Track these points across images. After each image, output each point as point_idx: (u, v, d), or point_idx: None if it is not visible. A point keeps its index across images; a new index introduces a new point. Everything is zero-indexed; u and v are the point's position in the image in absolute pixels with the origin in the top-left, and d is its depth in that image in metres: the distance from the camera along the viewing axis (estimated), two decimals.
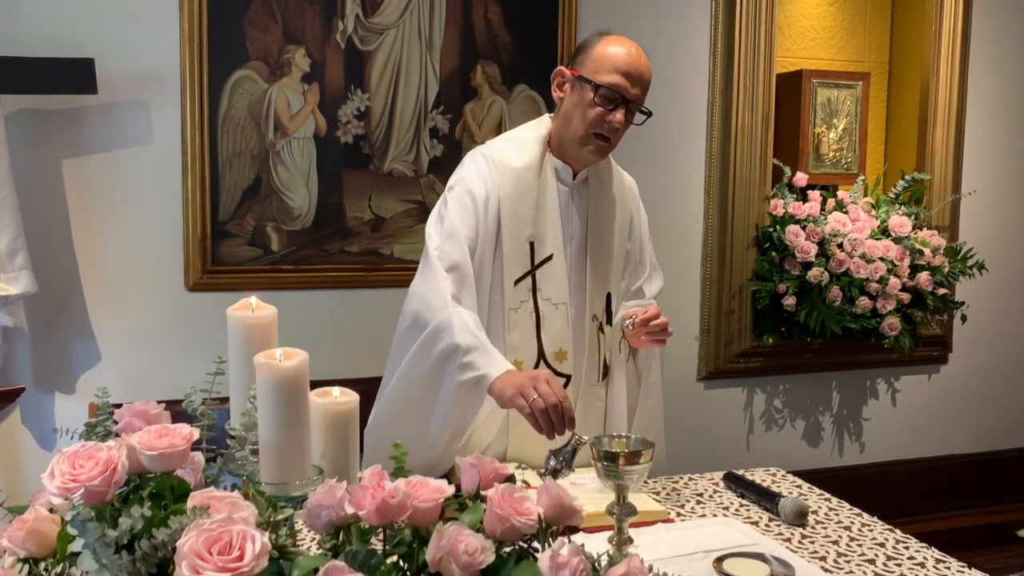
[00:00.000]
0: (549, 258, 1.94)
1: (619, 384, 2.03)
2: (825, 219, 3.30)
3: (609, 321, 2.03)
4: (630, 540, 1.45)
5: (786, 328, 3.40)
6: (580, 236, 2.00)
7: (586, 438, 1.58)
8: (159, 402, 1.14)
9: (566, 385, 1.95)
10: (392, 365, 1.95)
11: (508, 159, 1.94)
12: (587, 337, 1.98)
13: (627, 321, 1.96)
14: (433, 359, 1.81)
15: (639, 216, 2.13)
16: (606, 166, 2.06)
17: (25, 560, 0.99)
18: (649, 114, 1.92)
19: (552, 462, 1.72)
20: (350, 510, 0.94)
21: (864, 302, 3.27)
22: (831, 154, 3.51)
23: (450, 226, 1.89)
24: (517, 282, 1.93)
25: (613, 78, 1.85)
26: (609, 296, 2.02)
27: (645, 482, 1.91)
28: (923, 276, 3.36)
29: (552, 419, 1.62)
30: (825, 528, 1.67)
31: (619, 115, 1.86)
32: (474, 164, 1.96)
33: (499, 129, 2.99)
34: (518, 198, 1.92)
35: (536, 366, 1.93)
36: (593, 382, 2.00)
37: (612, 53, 1.87)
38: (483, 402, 1.79)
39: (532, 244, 1.93)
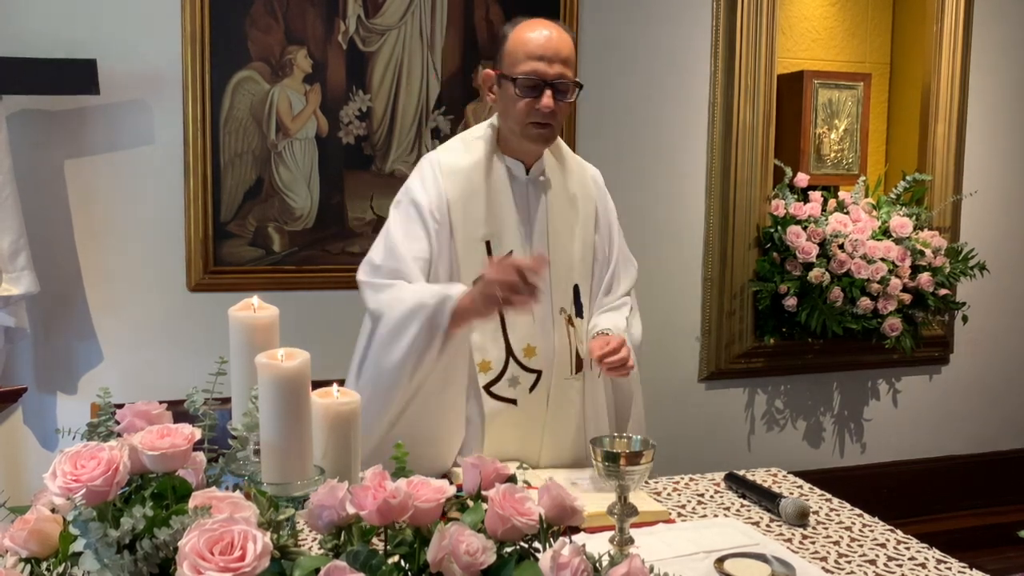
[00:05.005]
0: (509, 255, 1.92)
1: (596, 380, 2.00)
2: (826, 220, 3.30)
3: (579, 314, 1.99)
4: (631, 540, 1.45)
5: (787, 329, 3.40)
6: (542, 230, 1.97)
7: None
8: (161, 402, 1.15)
9: (538, 380, 1.94)
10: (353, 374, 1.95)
11: (455, 161, 1.93)
12: (555, 331, 1.96)
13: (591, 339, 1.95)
14: (391, 328, 1.79)
15: (605, 208, 2.08)
16: (564, 158, 2.03)
17: (27, 560, 0.99)
18: (580, 86, 1.89)
19: None
20: (351, 510, 0.94)
21: (865, 303, 3.27)
22: (832, 155, 3.51)
23: (391, 243, 1.89)
24: (475, 282, 1.89)
25: (528, 65, 1.83)
26: (577, 288, 1.99)
27: (646, 482, 1.92)
28: (924, 277, 3.36)
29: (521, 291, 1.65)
30: (826, 528, 1.67)
31: (546, 99, 1.83)
32: (419, 172, 1.95)
33: None
34: (468, 198, 1.90)
35: (505, 364, 1.92)
36: (566, 375, 1.97)
37: (524, 40, 1.85)
38: (440, 335, 1.76)
39: (488, 243, 1.92)
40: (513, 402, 1.93)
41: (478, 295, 1.71)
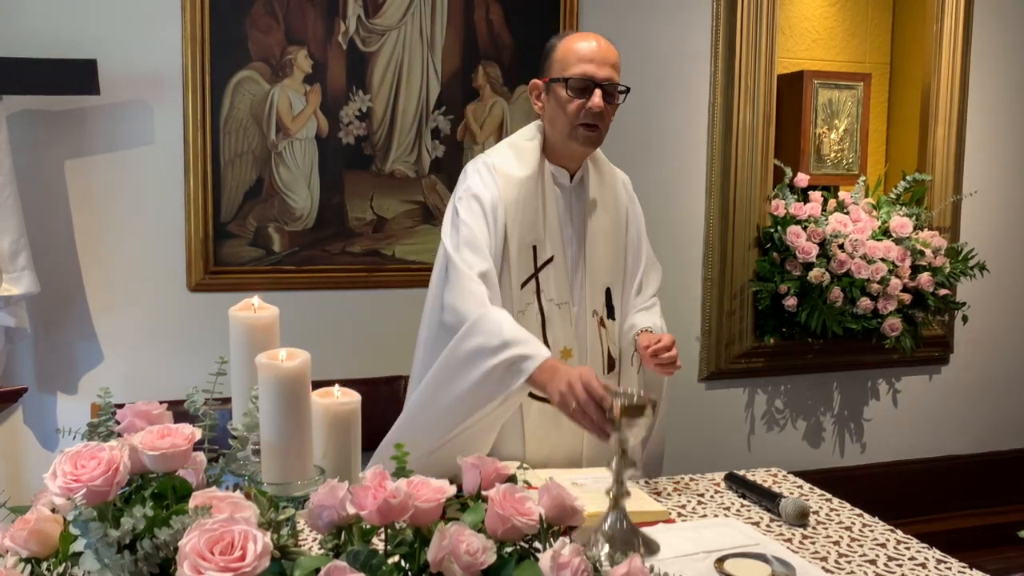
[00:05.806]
0: (550, 260, 1.98)
1: (630, 376, 2.06)
2: (826, 220, 3.30)
3: (611, 316, 2.06)
4: (628, 493, 1.47)
5: (787, 329, 3.40)
6: (579, 235, 2.04)
7: (615, 400, 1.52)
8: (161, 402, 1.15)
9: None
10: (416, 380, 1.97)
11: (510, 168, 1.97)
12: (589, 333, 2.02)
13: (635, 336, 1.98)
14: (469, 351, 1.78)
15: (634, 211, 2.17)
16: (600, 164, 2.10)
17: (27, 560, 0.99)
18: (627, 90, 1.96)
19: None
20: (352, 510, 0.94)
21: (865, 303, 3.27)
22: (832, 155, 3.51)
23: (469, 234, 1.90)
24: (523, 285, 1.96)
25: (579, 68, 1.91)
26: (609, 291, 2.06)
27: (647, 482, 1.92)
28: (924, 277, 3.36)
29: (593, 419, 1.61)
30: (826, 528, 1.67)
31: (596, 99, 1.90)
32: (477, 174, 1.98)
33: (500, 130, 3.00)
34: (522, 205, 1.95)
35: None
36: (600, 375, 2.01)
37: (574, 48, 1.93)
38: (515, 385, 1.75)
39: (535, 248, 1.97)
40: None
41: (559, 397, 1.66)
